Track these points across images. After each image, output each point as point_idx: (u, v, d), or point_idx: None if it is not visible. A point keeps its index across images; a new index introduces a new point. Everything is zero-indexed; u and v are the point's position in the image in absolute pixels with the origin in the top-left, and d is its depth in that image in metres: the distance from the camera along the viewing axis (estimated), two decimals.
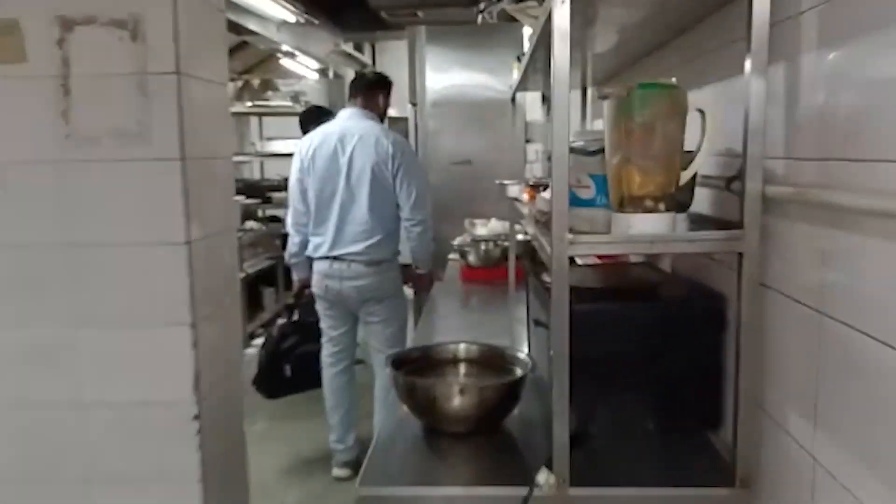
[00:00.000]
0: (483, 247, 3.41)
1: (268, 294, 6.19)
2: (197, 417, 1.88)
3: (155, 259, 1.83)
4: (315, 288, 3.35)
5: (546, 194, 2.04)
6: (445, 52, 4.50)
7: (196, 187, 1.85)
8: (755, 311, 1.21)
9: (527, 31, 4.31)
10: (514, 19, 2.48)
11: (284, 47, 5.21)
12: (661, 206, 1.17)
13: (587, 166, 1.42)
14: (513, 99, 4.31)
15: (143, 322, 1.86)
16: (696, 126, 1.24)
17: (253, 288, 5.82)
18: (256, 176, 7.49)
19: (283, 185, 6.81)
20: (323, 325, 3.43)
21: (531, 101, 4.53)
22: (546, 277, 1.65)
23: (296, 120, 6.87)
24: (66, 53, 1.77)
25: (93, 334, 1.86)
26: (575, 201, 1.34)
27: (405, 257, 3.47)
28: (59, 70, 1.77)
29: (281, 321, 3.78)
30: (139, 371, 1.88)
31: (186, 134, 1.81)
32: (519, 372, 1.59)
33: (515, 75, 3.05)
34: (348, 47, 6.80)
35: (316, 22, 4.84)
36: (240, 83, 7.17)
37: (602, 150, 1.36)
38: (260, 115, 7.37)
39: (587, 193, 1.42)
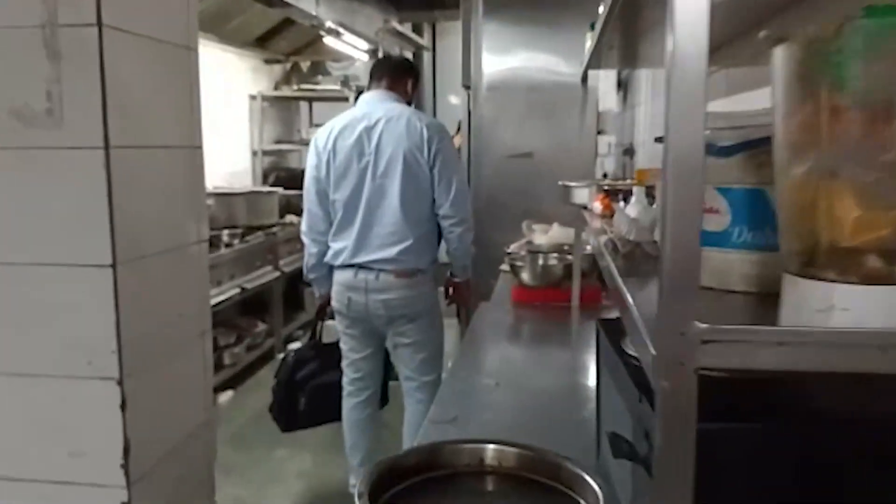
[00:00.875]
0: (540, 261, 2.80)
1: (308, 294, 5.71)
2: None
3: (67, 286, 1.30)
4: (335, 302, 2.81)
5: (632, 209, 1.42)
6: (504, 28, 3.89)
7: (126, 187, 1.31)
8: None
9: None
10: None
11: (328, 24, 4.68)
12: None
13: (715, 173, 0.81)
14: (583, 79, 3.68)
15: (54, 373, 1.34)
16: None
17: (291, 287, 5.35)
18: (303, 165, 7.02)
19: None
20: (343, 346, 2.89)
21: (605, 83, 3.87)
22: (630, 350, 1.05)
23: (346, 106, 6.46)
24: None
25: None
26: None
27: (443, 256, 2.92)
28: None
29: (294, 346, 3.21)
30: (48, 440, 1.36)
31: (112, 113, 1.26)
32: None
33: (588, 46, 2.43)
34: (405, 29, 6.23)
35: None
36: (288, 65, 6.70)
37: (751, 146, 0.75)
38: (309, 99, 6.89)
39: (716, 223, 0.81)
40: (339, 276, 2.77)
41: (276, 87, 6.57)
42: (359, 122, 2.70)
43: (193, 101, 1.62)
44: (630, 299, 0.88)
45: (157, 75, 1.43)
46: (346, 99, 6.22)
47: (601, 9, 1.93)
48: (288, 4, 4.04)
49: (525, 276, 2.71)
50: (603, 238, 1.40)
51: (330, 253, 2.77)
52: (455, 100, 8.78)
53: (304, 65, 6.83)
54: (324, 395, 2.91)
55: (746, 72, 1.69)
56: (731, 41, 1.53)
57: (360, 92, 4.39)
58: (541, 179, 3.88)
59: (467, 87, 3.95)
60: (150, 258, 1.39)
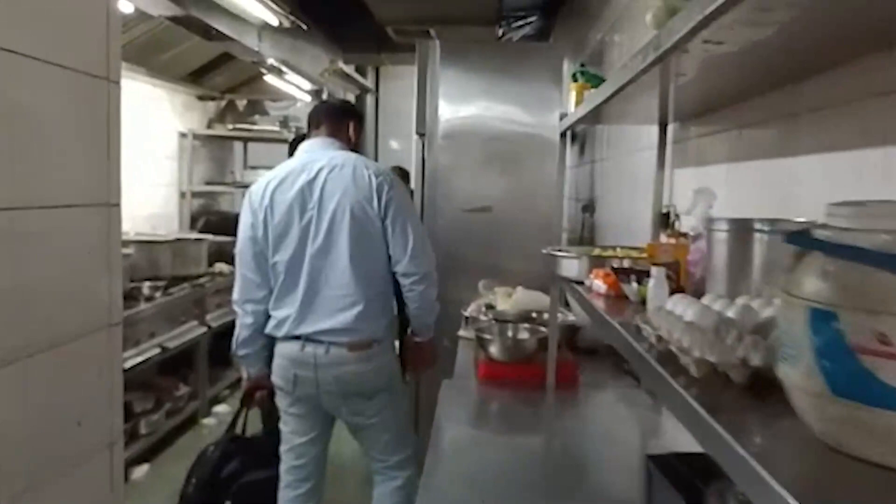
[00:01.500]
0: (510, 333, 2.50)
1: None
2: None
3: None
4: (277, 378, 2.43)
5: (680, 305, 1.13)
6: (463, 73, 3.64)
7: (12, 262, 0.95)
8: None
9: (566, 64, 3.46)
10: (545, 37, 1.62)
11: (270, 61, 4.36)
12: None
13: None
14: (563, 134, 3.47)
15: None
16: None
17: (218, 343, 4.87)
18: (236, 209, 6.58)
19: None
20: (284, 428, 2.49)
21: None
22: None
23: (284, 148, 6.09)
24: None
25: None
26: (853, 385, 0.47)
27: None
28: None
29: (210, 448, 2.74)
30: None
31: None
32: None
33: (573, 100, 2.18)
34: (348, 69, 5.96)
35: (305, 27, 4.00)
36: (223, 103, 6.32)
37: None
38: (244, 139, 6.50)
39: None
40: (283, 349, 2.40)
41: (210, 126, 6.17)
42: (298, 174, 2.39)
43: (111, 143, 1.27)
44: (751, 458, 0.60)
45: (63, 109, 1.08)
46: (284, 140, 5.87)
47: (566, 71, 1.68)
48: (228, 38, 3.70)
49: (494, 350, 2.40)
50: (634, 339, 1.11)
51: (271, 323, 2.41)
52: (396, 145, 8.55)
53: (241, 103, 6.46)
54: (255, 493, 2.50)
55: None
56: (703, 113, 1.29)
57: (299, 135, 4.06)
58: (500, 234, 3.62)
59: (421, 135, 3.67)
60: (40, 356, 1.02)
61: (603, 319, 1.34)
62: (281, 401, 2.47)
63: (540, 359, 2.40)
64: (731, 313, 1.00)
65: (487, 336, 2.42)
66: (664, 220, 2.27)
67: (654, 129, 2.30)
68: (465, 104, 3.61)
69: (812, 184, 1.32)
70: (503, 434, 2.12)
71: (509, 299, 3.00)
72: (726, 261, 1.19)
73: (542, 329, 2.47)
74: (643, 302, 1.47)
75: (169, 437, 4.20)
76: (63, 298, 1.14)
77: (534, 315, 2.82)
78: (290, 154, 3.45)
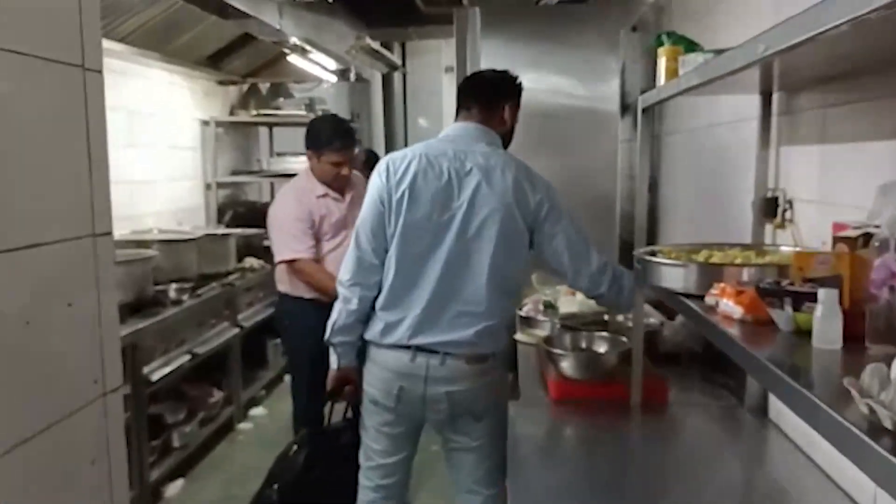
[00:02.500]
0: (584, 344, 2.16)
1: (271, 347, 4.98)
2: None
3: None
4: (375, 390, 2.11)
5: None
6: (507, 43, 3.27)
7: None
8: None
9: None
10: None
11: (292, 40, 4.02)
12: None
13: None
14: (624, 107, 3.09)
15: None
16: None
17: (251, 343, 4.60)
18: (265, 199, 6.29)
19: None
20: (372, 445, 2.16)
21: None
22: None
23: None
24: None
25: None
26: None
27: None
28: None
29: (293, 448, 2.46)
30: None
31: None
32: None
33: (662, 68, 1.81)
34: (375, 45, 5.59)
35: (329, 1, 3.64)
36: (245, 87, 6.00)
37: None
38: (269, 125, 6.18)
39: None
40: (387, 358, 2.08)
41: (232, 112, 5.85)
42: (449, 163, 2.07)
43: (93, 147, 0.94)
44: None
45: (27, 103, 0.76)
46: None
47: None
48: (247, 16, 3.36)
49: (568, 366, 2.06)
50: (846, 419, 0.77)
51: (375, 326, 2.09)
52: (425, 123, 8.18)
53: (264, 87, 6.13)
54: (343, 488, 2.22)
55: None
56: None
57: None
58: None
59: None
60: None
61: (763, 368, 0.99)
62: (372, 416, 2.14)
63: (621, 374, 2.06)
64: None
65: (559, 351, 2.09)
66: (770, 208, 1.90)
67: (752, 99, 1.92)
68: None
69: None
70: (586, 470, 1.79)
71: (573, 298, 2.66)
72: None
73: (623, 339, 2.13)
74: (798, 332, 1.12)
75: (204, 448, 3.95)
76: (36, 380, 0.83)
77: (605, 317, 2.47)
78: (309, 139, 3.12)
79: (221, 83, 5.66)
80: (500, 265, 2.03)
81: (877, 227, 1.07)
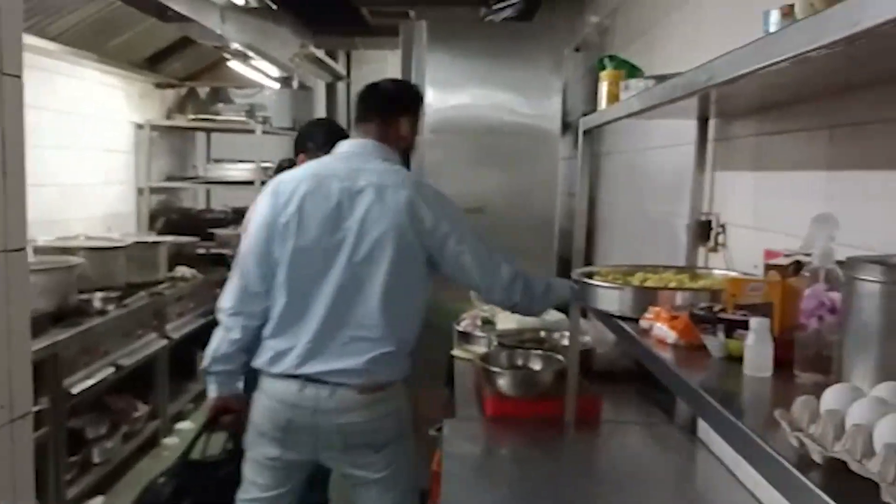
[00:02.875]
0: (520, 362, 2.16)
1: (201, 360, 4.80)
2: None
3: None
4: (263, 420, 1.99)
5: (838, 400, 0.78)
6: (453, 58, 3.27)
7: None
8: None
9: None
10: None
11: (234, 45, 3.93)
12: None
13: None
14: (566, 126, 3.12)
15: None
16: None
17: (182, 354, 4.45)
18: (200, 205, 6.13)
19: (230, 219, 5.49)
20: (253, 478, 2.04)
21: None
22: None
23: (251, 139, 5.65)
24: None
25: None
26: None
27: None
28: None
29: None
30: None
31: None
32: None
33: (603, 91, 1.83)
34: (320, 53, 5.53)
35: (274, 7, 3.58)
36: (183, 91, 5.84)
37: None
38: (207, 130, 6.04)
39: None
40: (275, 389, 1.97)
41: (169, 116, 5.68)
42: (339, 183, 1.97)
43: (9, 159, 0.88)
44: None
45: None
46: (251, 131, 5.44)
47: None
48: (186, 19, 3.27)
49: (504, 384, 2.05)
50: (774, 450, 0.77)
51: (264, 355, 1.98)
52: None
53: (203, 91, 5.99)
54: None
55: None
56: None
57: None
58: (493, 237, 3.23)
59: None
60: None
61: (695, 394, 0.99)
62: (257, 448, 2.03)
63: (556, 391, 2.06)
64: None
65: (495, 369, 2.07)
66: (704, 231, 1.94)
67: (689, 124, 1.96)
68: (455, 92, 3.25)
69: None
70: (518, 488, 1.77)
71: (511, 315, 2.66)
72: (882, 324, 0.85)
73: (559, 358, 2.13)
74: (730, 358, 1.13)
75: (126, 463, 3.79)
76: None
77: (542, 335, 2.48)
78: (299, 145, 2.92)
79: (159, 86, 5.50)
80: (394, 288, 1.94)
81: (807, 255, 1.08)
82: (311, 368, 1.92)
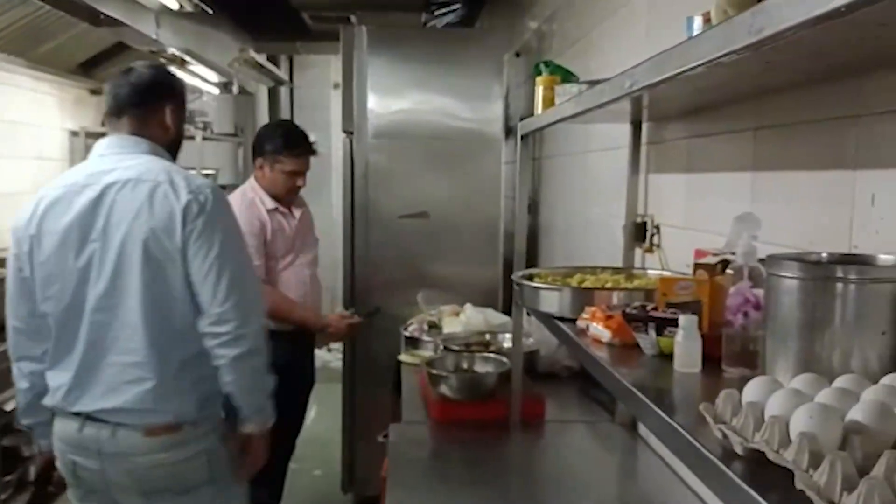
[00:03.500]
0: (465, 365, 2.17)
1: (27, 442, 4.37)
2: None
3: None
4: (58, 463, 1.81)
5: (780, 401, 0.81)
6: (394, 63, 3.28)
7: None
8: None
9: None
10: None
11: (171, 50, 3.86)
12: None
13: None
14: (508, 130, 3.15)
15: None
16: None
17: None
18: None
19: None
20: None
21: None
22: None
23: (191, 146, 5.53)
24: None
25: None
26: None
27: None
28: None
29: None
30: None
31: None
32: None
33: (539, 96, 1.86)
34: (260, 58, 5.45)
35: (210, 12, 3.53)
36: None
37: None
38: None
39: None
40: (59, 428, 1.77)
41: (104, 123, 5.52)
42: (79, 192, 1.71)
43: None
44: None
45: None
46: (191, 137, 5.32)
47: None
48: (120, 24, 3.19)
49: (449, 388, 2.06)
50: (700, 443, 0.79)
51: (50, 391, 1.78)
52: (313, 137, 8.05)
53: None
54: None
55: None
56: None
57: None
58: (439, 241, 3.29)
59: (349, 133, 3.28)
60: None
61: (628, 392, 1.01)
62: (71, 492, 1.85)
63: (501, 393, 2.08)
64: (858, 415, 0.69)
65: (441, 373, 2.08)
66: (640, 233, 1.99)
67: (624, 128, 2.00)
68: (397, 98, 3.25)
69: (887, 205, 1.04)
70: (464, 490, 1.78)
71: (457, 319, 2.68)
72: (800, 318, 0.88)
73: (503, 360, 2.15)
74: (661, 355, 1.16)
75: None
76: None
77: (487, 337, 2.50)
78: (258, 152, 2.70)
79: (94, 92, 5.35)
80: (155, 301, 1.68)
81: (733, 254, 1.12)
82: (82, 406, 1.71)
